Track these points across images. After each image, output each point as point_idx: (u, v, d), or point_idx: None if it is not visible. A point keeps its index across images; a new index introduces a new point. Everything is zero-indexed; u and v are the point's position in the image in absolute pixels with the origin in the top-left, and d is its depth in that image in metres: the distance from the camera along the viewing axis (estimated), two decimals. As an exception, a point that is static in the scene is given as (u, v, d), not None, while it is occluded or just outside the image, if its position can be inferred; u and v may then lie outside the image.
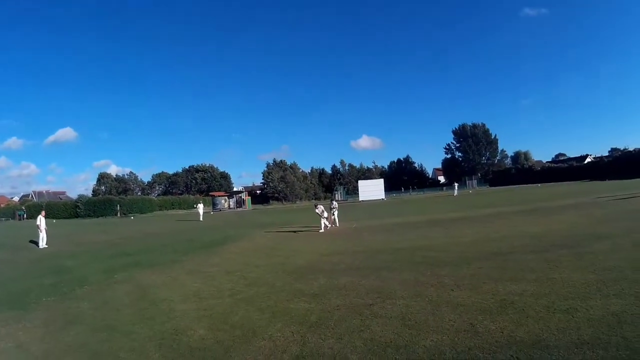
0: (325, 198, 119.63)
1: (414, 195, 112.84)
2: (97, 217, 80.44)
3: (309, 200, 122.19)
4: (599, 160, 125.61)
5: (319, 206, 30.78)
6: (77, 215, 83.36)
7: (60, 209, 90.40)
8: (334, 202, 33.39)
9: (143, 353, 7.79)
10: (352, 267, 14.81)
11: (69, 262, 20.99)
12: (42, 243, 28.08)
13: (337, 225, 31.28)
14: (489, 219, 27.76)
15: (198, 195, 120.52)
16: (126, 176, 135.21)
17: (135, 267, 18.22)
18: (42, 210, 31.91)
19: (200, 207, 56.56)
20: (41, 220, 28.79)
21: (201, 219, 52.55)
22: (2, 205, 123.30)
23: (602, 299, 8.40)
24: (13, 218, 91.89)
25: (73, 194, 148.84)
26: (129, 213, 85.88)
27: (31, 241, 30.52)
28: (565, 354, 5.99)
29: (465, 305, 8.79)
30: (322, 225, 29.27)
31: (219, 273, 15.83)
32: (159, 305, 11.51)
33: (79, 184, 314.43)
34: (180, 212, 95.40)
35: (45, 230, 28.80)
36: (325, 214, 30.15)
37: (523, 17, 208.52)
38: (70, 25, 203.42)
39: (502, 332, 7.06)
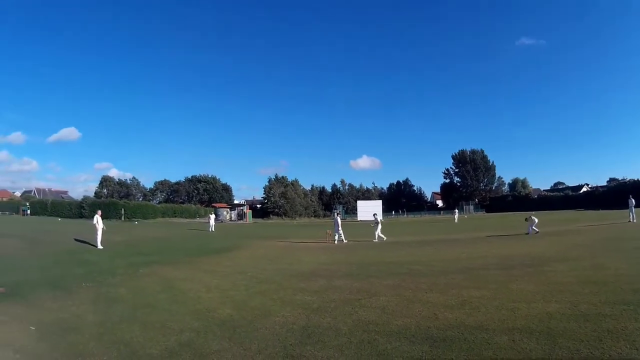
0: (324, 216, 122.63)
1: (410, 218, 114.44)
2: (102, 219, 79.21)
3: (308, 217, 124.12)
4: (594, 190, 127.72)
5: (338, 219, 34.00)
6: (81, 216, 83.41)
7: (65, 208, 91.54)
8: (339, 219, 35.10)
9: (185, 323, 10.00)
10: (346, 274, 17.09)
11: (91, 257, 23.01)
12: (99, 243, 28.10)
13: (345, 240, 33.26)
14: (475, 242, 30.01)
15: (199, 205, 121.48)
16: (128, 181, 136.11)
17: (156, 264, 20.30)
18: (98, 210, 32.10)
19: (212, 218, 57.14)
20: (98, 220, 29.34)
21: (212, 229, 53.06)
22: (4, 199, 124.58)
23: (543, 303, 10.37)
24: (17, 213, 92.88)
25: (72, 194, 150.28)
26: (133, 218, 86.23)
27: (77, 240, 32.14)
28: (497, 335, 8.07)
29: (433, 303, 11.13)
30: (337, 238, 32.29)
31: (232, 273, 18.15)
32: (186, 293, 13.85)
33: (79, 184, 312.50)
34: (183, 220, 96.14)
35: (103, 230, 29.23)
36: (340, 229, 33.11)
37: (520, 46, 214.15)
38: (82, 26, 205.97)
39: (456, 320, 9.29)
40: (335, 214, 37.60)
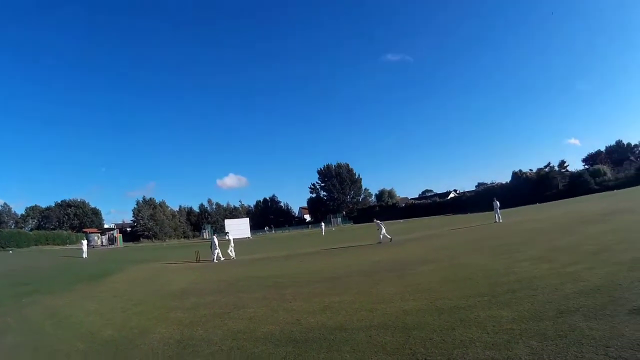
0: (193, 237, 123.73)
1: (278, 234, 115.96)
2: None
3: (178, 238, 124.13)
4: (461, 195, 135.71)
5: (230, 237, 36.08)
6: (-46, 247, 79.08)
7: None
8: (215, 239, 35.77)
9: (72, 345, 10.61)
10: (216, 291, 17.95)
11: (-30, 289, 22.41)
12: None
13: (222, 258, 34.13)
14: (340, 252, 31.74)
15: (71, 231, 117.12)
16: (0, 207, 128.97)
17: (37, 293, 20.32)
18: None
19: (85, 244, 56.36)
20: None
21: (85, 255, 52.41)
22: None
23: (401, 302, 11.41)
24: None
25: None
26: (7, 247, 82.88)
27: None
28: (356, 332, 9.00)
29: (297, 310, 12.18)
30: (215, 257, 33.38)
31: (109, 297, 18.68)
32: (69, 319, 14.31)
33: None
34: (56, 247, 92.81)
35: None
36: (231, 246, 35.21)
37: (385, 62, 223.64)
38: None
39: (318, 323, 10.29)
40: (212, 234, 38.22)
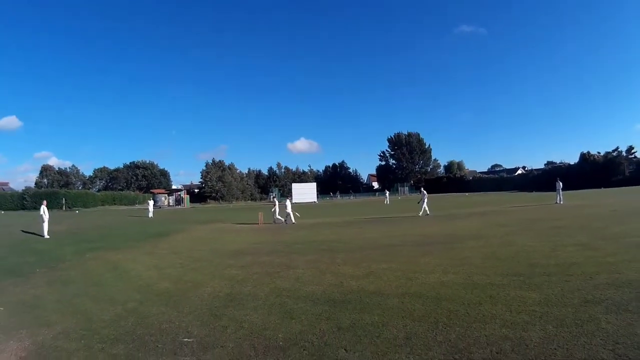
0: (260, 199, 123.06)
1: (345, 200, 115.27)
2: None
3: (245, 200, 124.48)
4: (528, 173, 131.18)
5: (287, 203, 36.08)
6: (24, 207, 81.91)
7: (7, 200, 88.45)
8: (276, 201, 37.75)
9: (129, 296, 11.56)
10: (272, 252, 18.76)
11: (40, 246, 23.78)
12: (45, 233, 28.40)
13: (294, 222, 35.02)
14: (401, 221, 32.10)
15: (138, 192, 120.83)
16: (68, 169, 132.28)
17: (100, 250, 21.40)
18: (44, 200, 32.50)
19: (151, 204, 58.01)
20: (44, 210, 29.47)
21: (150, 215, 54.16)
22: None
23: (441, 274, 11.83)
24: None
25: (13, 185, 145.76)
26: (74, 207, 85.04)
27: (24, 231, 32.27)
28: (390, 298, 9.58)
29: (342, 274, 12.80)
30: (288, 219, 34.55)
31: (169, 254, 19.65)
32: (129, 272, 15.35)
33: (19, 175, 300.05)
34: (122, 207, 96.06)
35: (47, 220, 29.28)
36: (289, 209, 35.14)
37: (459, 34, 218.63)
38: (18, 14, 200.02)
39: (358, 287, 10.90)
40: (287, 199, 38.70)
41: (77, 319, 9.49)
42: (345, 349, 6.75)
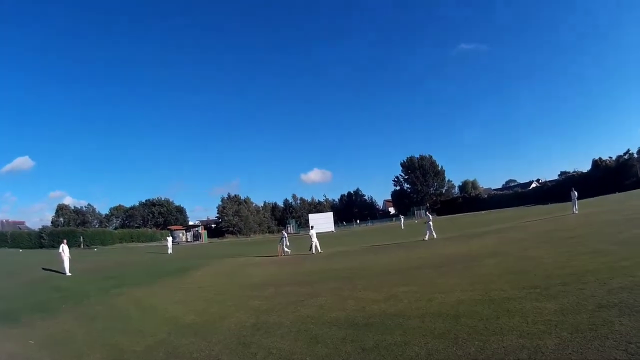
0: (277, 232, 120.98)
1: (362, 227, 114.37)
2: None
3: (262, 233, 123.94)
4: (542, 185, 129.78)
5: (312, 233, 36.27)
6: (41, 246, 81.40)
7: (25, 239, 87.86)
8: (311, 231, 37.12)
9: (157, 328, 11.99)
10: (293, 282, 18.94)
11: (64, 283, 24.37)
12: (67, 270, 29.00)
13: (320, 251, 34.91)
14: (416, 245, 31.64)
15: (155, 229, 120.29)
16: (84, 208, 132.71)
17: (124, 286, 21.83)
18: (64, 239, 32.91)
19: (170, 241, 58.12)
20: (64, 249, 30.09)
21: (170, 251, 53.96)
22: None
23: (460, 293, 11.99)
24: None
25: (29, 224, 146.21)
26: (92, 245, 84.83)
27: (45, 269, 32.64)
28: (411, 319, 9.81)
29: (364, 299, 13.01)
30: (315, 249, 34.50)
31: (193, 288, 20.10)
32: (155, 307, 15.84)
33: (34, 214, 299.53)
34: (140, 245, 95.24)
35: (69, 258, 30.00)
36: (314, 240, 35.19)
37: (461, 51, 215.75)
38: (29, 50, 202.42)
39: (380, 310, 11.14)
40: (310, 228, 38.80)
41: (109, 351, 9.90)
42: (370, 368, 6.93)
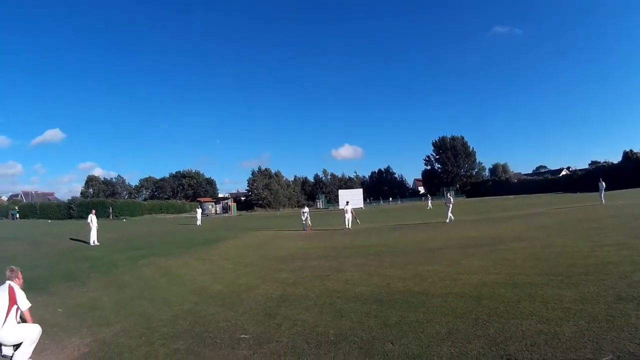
0: (307, 206, 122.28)
1: (391, 205, 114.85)
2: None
3: (292, 207, 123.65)
4: (573, 173, 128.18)
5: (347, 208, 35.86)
6: (70, 217, 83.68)
7: (54, 210, 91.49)
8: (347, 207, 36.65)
9: (184, 298, 12.31)
10: (320, 256, 19.26)
11: (92, 253, 24.64)
12: (94, 240, 29.40)
13: (349, 227, 34.96)
14: (443, 225, 31.75)
15: (184, 201, 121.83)
16: (114, 179, 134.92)
17: (152, 256, 22.10)
18: (92, 209, 33.55)
19: (199, 212, 58.68)
20: (92, 219, 30.27)
21: (199, 223, 54.39)
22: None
23: (483, 275, 12.16)
24: (5, 217, 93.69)
25: (58, 195, 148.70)
26: (120, 215, 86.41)
27: (72, 239, 33.29)
28: (434, 297, 10.00)
29: (389, 276, 13.24)
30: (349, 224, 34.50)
31: (221, 259, 20.39)
32: (182, 277, 16.08)
33: (63, 185, 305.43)
34: (169, 216, 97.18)
35: (96, 229, 30.18)
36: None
37: (496, 34, 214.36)
38: (62, 26, 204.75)
39: (404, 288, 11.37)
40: (346, 203, 38.50)
41: (136, 319, 10.18)
42: (391, 343, 7.24)
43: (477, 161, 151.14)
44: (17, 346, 7.57)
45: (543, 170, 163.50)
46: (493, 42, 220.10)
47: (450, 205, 34.49)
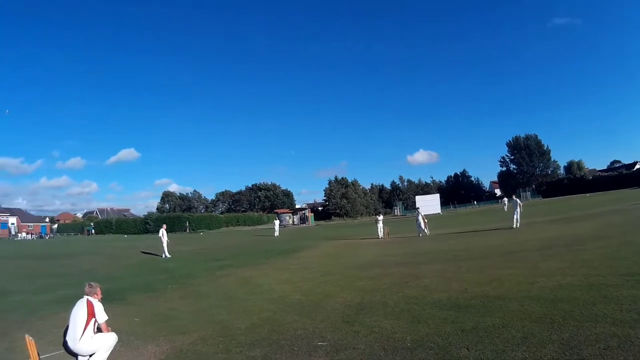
0: (385, 214, 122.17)
1: (467, 209, 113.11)
2: (167, 232, 78.70)
3: (369, 215, 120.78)
4: None
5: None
6: (146, 231, 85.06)
7: (130, 225, 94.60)
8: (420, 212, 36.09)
9: (263, 307, 12.60)
10: (399, 263, 19.32)
11: (169, 264, 25.47)
12: (166, 253, 30.17)
13: (427, 233, 34.79)
14: (520, 228, 30.96)
15: (262, 213, 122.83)
16: (190, 194, 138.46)
17: (230, 267, 22.68)
18: (163, 224, 34.21)
19: (277, 223, 59.15)
20: (163, 233, 31.29)
21: (277, 234, 54.85)
22: (67, 221, 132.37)
23: (561, 277, 11.95)
24: (82, 233, 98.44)
25: (134, 211, 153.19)
26: (197, 229, 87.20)
27: (142, 252, 34.47)
28: (511, 302, 9.88)
29: (467, 281, 13.15)
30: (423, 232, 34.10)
31: (299, 269, 20.67)
32: (261, 287, 16.40)
33: (139, 201, 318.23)
34: (246, 228, 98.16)
35: (167, 242, 31.07)
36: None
37: (556, 25, 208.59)
38: (130, 46, 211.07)
39: (482, 293, 11.27)
40: (418, 211, 38.01)
41: (213, 328, 10.51)
42: (467, 348, 7.28)
43: (552, 159, 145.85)
44: (92, 355, 7.95)
45: (617, 165, 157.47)
46: (555, 32, 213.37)
47: (519, 209, 33.06)
